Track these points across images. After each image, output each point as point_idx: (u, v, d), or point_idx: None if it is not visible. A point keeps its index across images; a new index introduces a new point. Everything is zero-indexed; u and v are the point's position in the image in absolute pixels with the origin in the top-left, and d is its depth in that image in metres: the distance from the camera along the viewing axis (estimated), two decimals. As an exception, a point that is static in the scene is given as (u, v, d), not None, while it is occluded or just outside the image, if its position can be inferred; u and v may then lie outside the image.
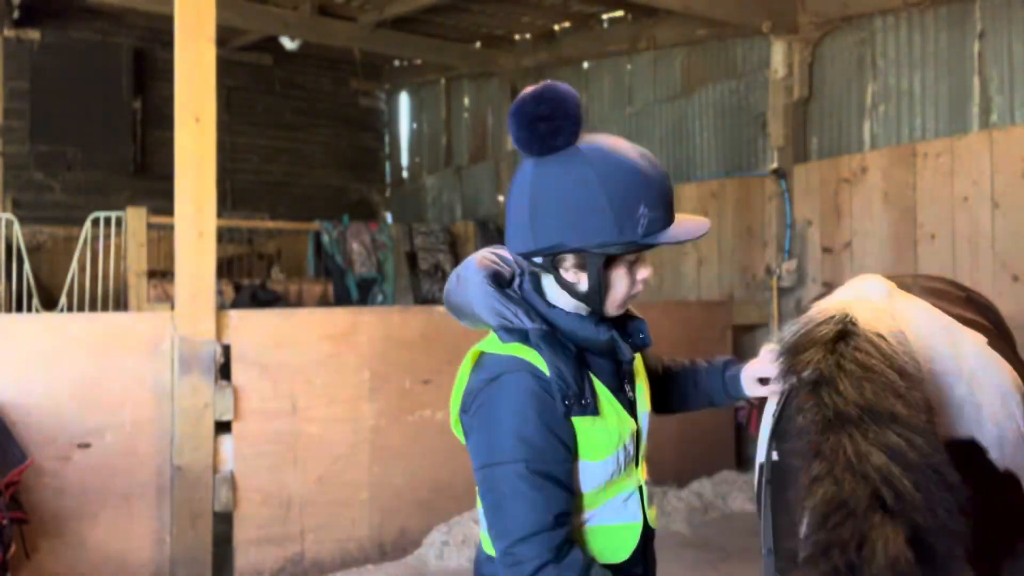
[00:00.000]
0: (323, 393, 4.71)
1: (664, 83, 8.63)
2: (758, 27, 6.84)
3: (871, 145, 6.60)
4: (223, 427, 4.42)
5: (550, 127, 1.76)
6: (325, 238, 8.87)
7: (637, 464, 1.84)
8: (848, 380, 1.61)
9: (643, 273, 1.79)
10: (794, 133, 6.96)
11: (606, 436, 1.73)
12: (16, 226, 7.77)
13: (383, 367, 4.91)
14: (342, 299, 8.66)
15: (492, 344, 1.78)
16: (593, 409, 1.71)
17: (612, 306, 1.77)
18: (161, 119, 11.31)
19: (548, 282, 1.78)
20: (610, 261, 1.72)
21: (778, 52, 6.96)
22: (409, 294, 9.10)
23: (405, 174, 13.73)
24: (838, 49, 6.84)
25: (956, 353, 1.97)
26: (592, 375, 1.75)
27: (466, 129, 12.05)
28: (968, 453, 1.87)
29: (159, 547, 4.27)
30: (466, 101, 12.07)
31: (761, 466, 2.01)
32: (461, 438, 1.83)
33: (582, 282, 1.72)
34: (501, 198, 10.89)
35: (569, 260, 1.71)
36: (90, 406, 4.17)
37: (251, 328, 4.54)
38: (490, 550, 1.79)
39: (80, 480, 4.12)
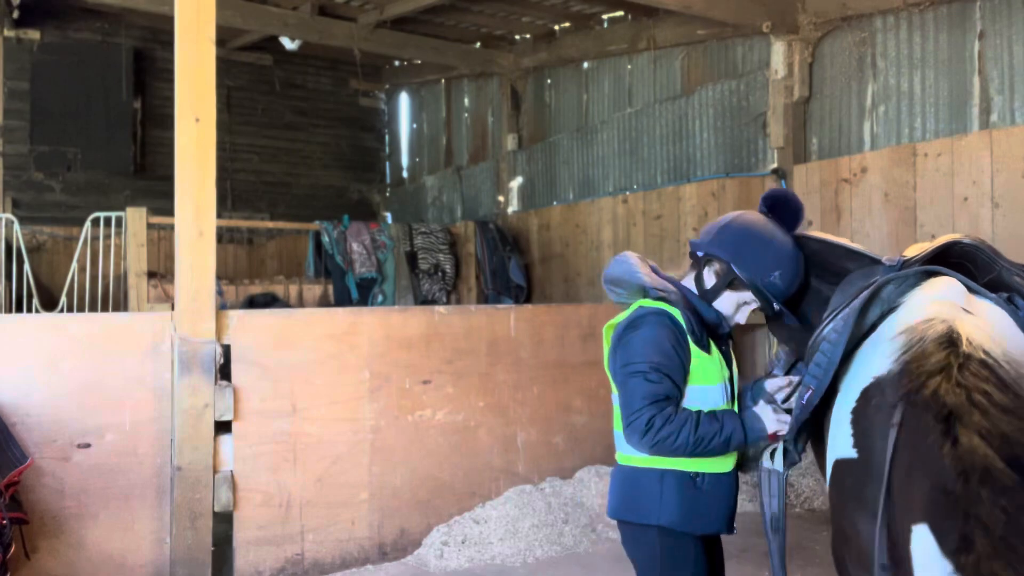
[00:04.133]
0: (323, 393, 4.71)
1: (664, 83, 8.63)
2: (758, 27, 6.84)
3: (871, 145, 6.60)
4: (223, 427, 4.41)
5: (798, 222, 2.70)
6: (325, 238, 8.87)
7: (733, 403, 2.62)
8: (983, 418, 1.59)
9: (743, 314, 2.64)
10: (794, 133, 6.96)
11: (714, 367, 2.53)
12: (16, 226, 7.77)
13: (383, 367, 4.91)
14: (342, 299, 8.66)
15: (634, 306, 2.59)
16: (705, 346, 2.51)
17: (708, 312, 2.58)
18: (161, 119, 11.33)
19: (693, 274, 2.65)
20: (733, 284, 2.57)
21: (778, 52, 6.97)
22: (409, 294, 9.10)
23: (405, 174, 13.73)
24: (838, 49, 6.84)
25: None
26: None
27: (466, 129, 12.05)
28: None
29: (159, 547, 4.27)
30: (466, 101, 12.07)
31: (848, 466, 1.98)
32: (612, 386, 2.58)
33: (709, 283, 2.60)
34: (501, 198, 10.89)
35: (717, 265, 2.59)
36: (90, 406, 4.17)
37: (251, 328, 4.54)
38: (625, 461, 2.57)
39: (80, 480, 4.12)
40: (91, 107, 11.10)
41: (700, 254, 2.62)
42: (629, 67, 9.09)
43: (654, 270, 2.68)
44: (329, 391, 4.73)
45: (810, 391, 2.20)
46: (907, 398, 1.73)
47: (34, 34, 10.31)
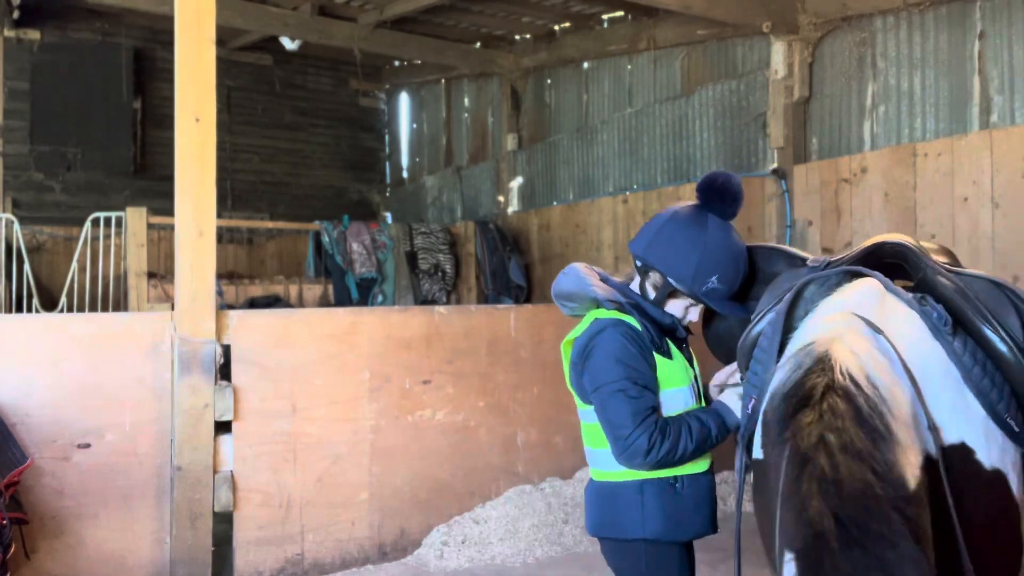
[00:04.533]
0: (323, 393, 4.71)
1: (664, 83, 8.63)
2: (758, 27, 6.84)
3: (871, 145, 6.60)
4: (223, 427, 4.41)
5: (736, 208, 2.67)
6: (325, 238, 8.87)
7: (701, 401, 2.62)
8: (827, 462, 1.64)
9: (693, 314, 2.63)
10: (794, 133, 6.96)
11: (679, 369, 2.55)
12: (16, 226, 7.77)
13: (383, 367, 4.91)
14: (342, 299, 8.67)
15: (589, 319, 2.58)
16: (667, 353, 2.54)
17: (663, 318, 2.59)
18: (161, 119, 11.33)
19: (638, 280, 2.63)
20: (674, 293, 2.56)
21: (778, 52, 6.97)
22: (409, 294, 9.10)
23: (405, 174, 13.73)
24: (838, 49, 6.84)
25: (942, 353, 2.01)
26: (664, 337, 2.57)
27: (466, 129, 12.05)
28: (958, 456, 1.89)
29: (159, 547, 4.27)
30: (466, 101, 12.07)
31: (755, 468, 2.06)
32: (577, 401, 2.60)
33: (652, 294, 2.59)
34: (501, 198, 10.89)
35: (654, 276, 2.57)
36: (90, 406, 4.17)
37: (251, 328, 4.54)
38: (601, 477, 2.54)
39: (80, 480, 4.12)
40: (91, 107, 11.10)
41: (639, 264, 2.60)
42: (629, 67, 9.09)
43: (603, 278, 2.67)
44: (329, 391, 4.73)
45: (752, 400, 2.19)
46: (778, 434, 1.80)
47: (34, 34, 10.30)
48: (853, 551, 1.52)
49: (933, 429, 1.86)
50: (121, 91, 11.33)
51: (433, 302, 9.20)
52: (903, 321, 2.04)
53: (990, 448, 1.95)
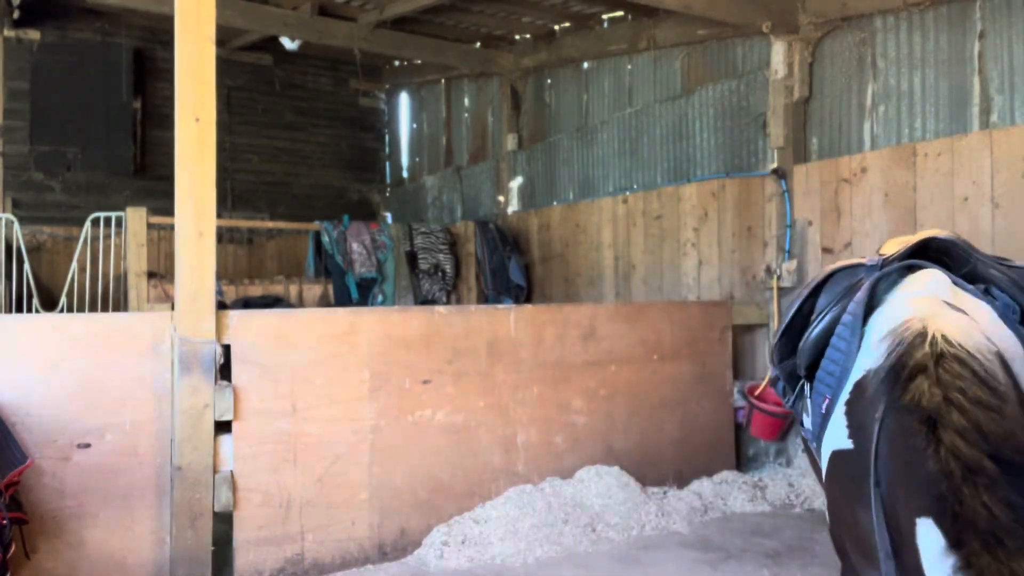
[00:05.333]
0: (323, 393, 4.71)
1: (664, 83, 8.62)
2: (758, 27, 6.84)
3: (871, 145, 6.60)
4: (223, 427, 4.42)
5: None
6: (325, 238, 8.87)
7: None
8: (960, 416, 1.69)
9: None
10: (794, 133, 6.96)
11: None
12: (16, 226, 7.77)
13: (383, 367, 4.91)
14: (342, 299, 8.66)
15: None
16: None
17: None
18: (161, 119, 11.34)
19: None
20: None
21: (778, 52, 6.96)
22: (409, 294, 9.10)
23: (405, 174, 13.73)
24: (838, 49, 6.84)
25: (1015, 339, 2.06)
26: None
27: (466, 129, 12.05)
28: None
29: (159, 547, 4.27)
30: (466, 101, 12.07)
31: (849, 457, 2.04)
32: None
33: None
34: (501, 198, 10.89)
35: None
36: (90, 406, 4.17)
37: (251, 328, 4.54)
38: None
39: (80, 480, 4.12)
40: (91, 107, 11.10)
41: None
42: (629, 67, 9.09)
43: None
44: (329, 391, 4.73)
45: (827, 400, 2.19)
46: (892, 402, 1.83)
47: (34, 34, 10.28)
48: (1018, 480, 1.56)
49: None
50: (121, 91, 11.33)
51: (433, 302, 9.20)
52: (975, 307, 2.09)
53: None
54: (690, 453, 6.20)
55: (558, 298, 9.44)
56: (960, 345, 1.82)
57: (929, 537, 1.61)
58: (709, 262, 7.63)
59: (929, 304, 2.02)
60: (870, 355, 2.00)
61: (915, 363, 1.82)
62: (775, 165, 6.98)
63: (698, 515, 5.61)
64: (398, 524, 4.90)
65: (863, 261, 2.51)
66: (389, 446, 4.90)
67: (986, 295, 2.14)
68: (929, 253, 2.39)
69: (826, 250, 6.63)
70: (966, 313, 2.00)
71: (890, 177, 6.21)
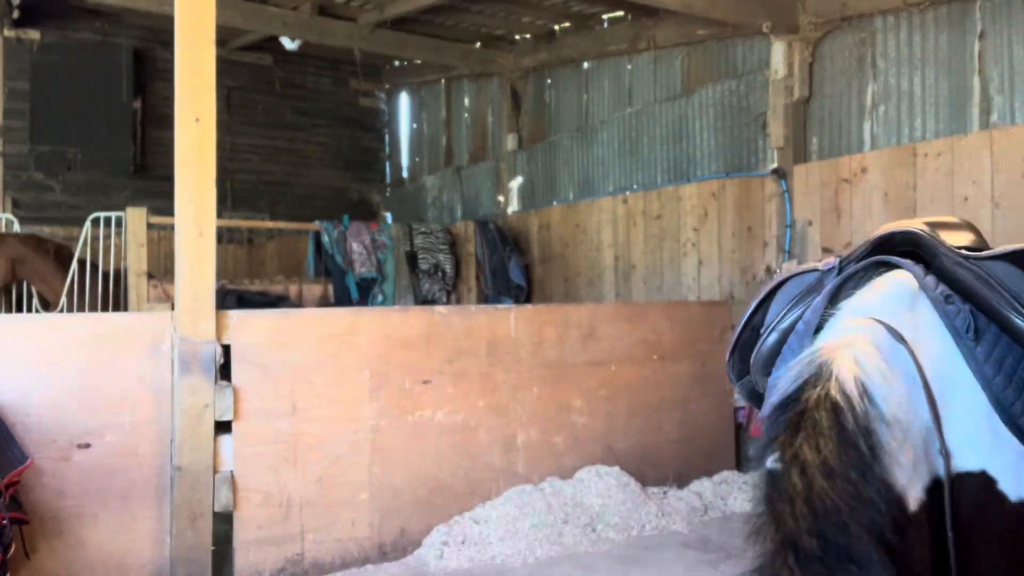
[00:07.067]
0: (323, 393, 4.71)
1: (664, 83, 8.63)
2: (758, 27, 6.84)
3: (871, 145, 6.60)
4: (223, 427, 4.41)
5: None
6: (325, 238, 8.87)
7: None
8: (801, 481, 1.58)
9: None
10: (794, 133, 6.96)
11: None
12: (16, 226, 7.76)
13: (383, 367, 4.91)
14: (342, 299, 8.66)
15: None
16: None
17: None
18: (161, 119, 11.34)
19: None
20: None
21: (778, 52, 6.97)
22: (409, 294, 9.10)
23: (405, 174, 13.74)
24: (838, 49, 6.84)
25: (968, 371, 1.86)
26: None
27: (466, 129, 12.05)
28: (974, 485, 1.78)
29: (159, 547, 4.27)
30: (466, 101, 12.07)
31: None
32: None
33: None
34: (501, 198, 10.89)
35: None
36: (90, 406, 4.17)
37: (251, 328, 4.54)
38: None
39: (80, 480, 4.12)
40: (91, 107, 11.10)
41: None
42: (629, 67, 9.09)
43: None
44: (329, 391, 4.73)
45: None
46: (766, 442, 1.73)
47: (34, 34, 10.30)
48: (812, 567, 1.46)
49: (945, 454, 1.74)
50: (121, 91, 11.33)
51: (433, 302, 9.20)
52: (930, 328, 1.89)
53: (1020, 479, 1.80)
54: (690, 453, 6.20)
55: (558, 298, 9.44)
56: (845, 391, 1.65)
57: None
58: (709, 262, 7.63)
59: (858, 329, 1.83)
60: (782, 380, 1.83)
61: (795, 406, 1.69)
62: (775, 165, 6.98)
63: (698, 515, 5.61)
64: (398, 524, 4.90)
65: (817, 266, 2.30)
66: (389, 446, 4.89)
67: (946, 303, 1.91)
68: (898, 247, 2.16)
69: (826, 250, 6.63)
70: (905, 342, 1.80)
71: (890, 177, 6.21)
